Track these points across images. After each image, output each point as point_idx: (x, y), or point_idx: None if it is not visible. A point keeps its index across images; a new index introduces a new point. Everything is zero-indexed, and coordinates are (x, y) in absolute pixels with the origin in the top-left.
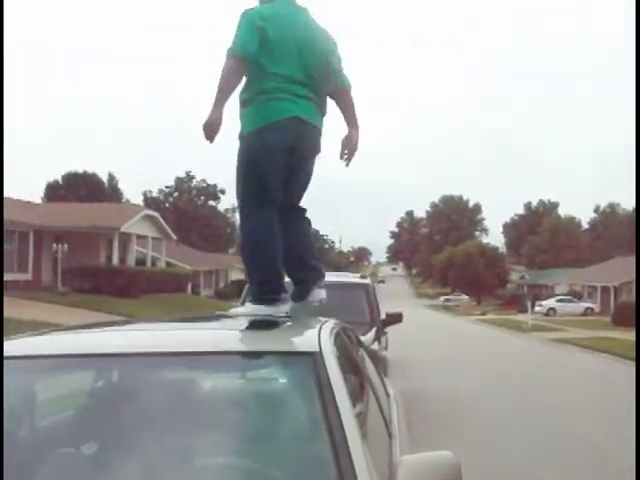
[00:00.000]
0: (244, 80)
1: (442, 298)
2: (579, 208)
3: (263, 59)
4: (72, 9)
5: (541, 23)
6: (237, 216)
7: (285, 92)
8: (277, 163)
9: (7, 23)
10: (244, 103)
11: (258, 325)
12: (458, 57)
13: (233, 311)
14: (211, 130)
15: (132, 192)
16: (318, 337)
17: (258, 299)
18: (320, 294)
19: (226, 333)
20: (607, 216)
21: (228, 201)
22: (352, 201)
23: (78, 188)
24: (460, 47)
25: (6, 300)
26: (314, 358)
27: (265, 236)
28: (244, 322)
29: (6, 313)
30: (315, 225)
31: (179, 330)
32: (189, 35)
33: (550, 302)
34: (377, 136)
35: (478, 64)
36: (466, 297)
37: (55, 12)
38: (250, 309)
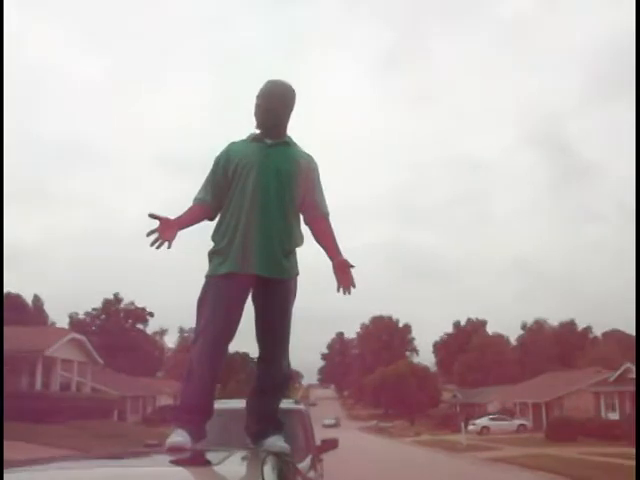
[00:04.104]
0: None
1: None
2: (506, 325)
3: None
4: None
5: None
6: (165, 339)
7: None
8: None
9: None
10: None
11: (199, 460)
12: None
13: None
14: None
15: (58, 315)
16: (261, 473)
17: None
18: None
19: (166, 470)
20: (534, 332)
21: (157, 324)
22: None
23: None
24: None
25: None
26: None
27: None
28: (182, 457)
29: None
30: (244, 348)
31: (115, 467)
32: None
33: (483, 420)
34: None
35: (401, 181)
36: None
37: None
38: None
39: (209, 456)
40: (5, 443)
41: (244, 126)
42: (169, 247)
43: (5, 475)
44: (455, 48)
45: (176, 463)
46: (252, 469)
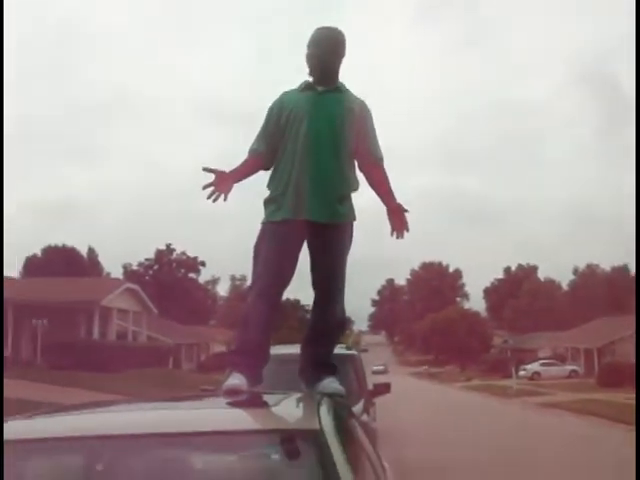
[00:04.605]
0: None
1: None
2: (558, 271)
3: None
4: None
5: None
6: (218, 288)
7: None
8: None
9: None
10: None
11: (255, 403)
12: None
13: None
14: None
15: (112, 265)
16: (318, 414)
17: None
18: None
19: (224, 411)
20: (586, 277)
21: (208, 273)
22: None
23: (57, 262)
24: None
25: None
26: (316, 436)
27: None
28: (238, 399)
29: None
30: (295, 295)
31: (173, 410)
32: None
33: (534, 366)
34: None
35: (457, 124)
36: None
37: None
38: None
39: (265, 398)
40: (65, 390)
41: (295, 75)
42: (225, 199)
43: (67, 416)
44: None
45: (232, 405)
46: (308, 411)
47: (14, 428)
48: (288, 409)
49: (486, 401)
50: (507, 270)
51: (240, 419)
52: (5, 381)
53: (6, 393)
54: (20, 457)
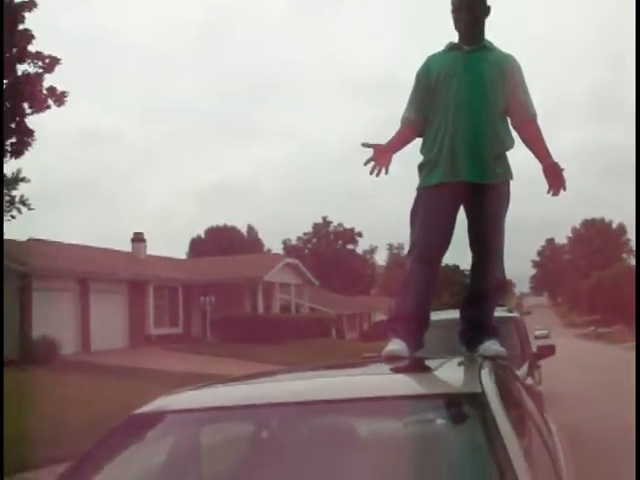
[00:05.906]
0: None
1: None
2: None
3: None
4: None
5: None
6: (376, 257)
7: None
8: None
9: None
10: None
11: (416, 368)
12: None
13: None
14: None
15: (272, 241)
16: (479, 377)
17: None
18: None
19: (385, 377)
20: None
21: (366, 243)
22: None
23: (220, 242)
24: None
25: (160, 353)
26: (478, 399)
27: None
28: (399, 365)
29: (160, 366)
30: (455, 260)
31: (336, 377)
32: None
33: None
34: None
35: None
36: None
37: None
38: None
39: (426, 363)
40: (233, 362)
41: (440, 38)
42: (386, 173)
43: (235, 386)
44: None
45: (393, 371)
46: (470, 374)
47: (187, 398)
48: (449, 373)
49: None
50: None
51: (401, 384)
52: (178, 355)
53: (181, 367)
54: (192, 425)
